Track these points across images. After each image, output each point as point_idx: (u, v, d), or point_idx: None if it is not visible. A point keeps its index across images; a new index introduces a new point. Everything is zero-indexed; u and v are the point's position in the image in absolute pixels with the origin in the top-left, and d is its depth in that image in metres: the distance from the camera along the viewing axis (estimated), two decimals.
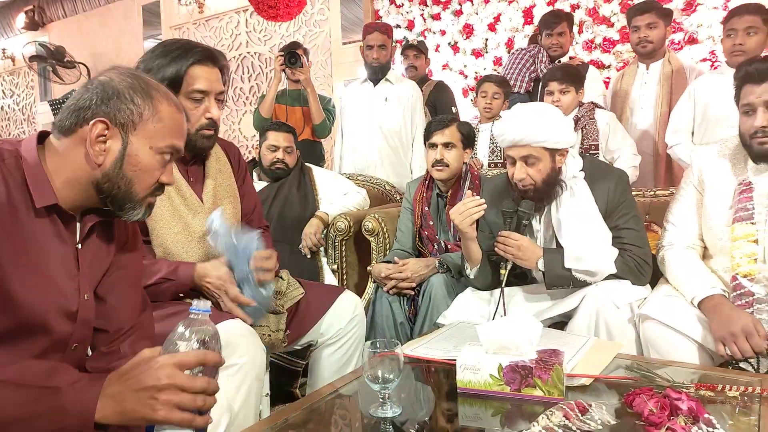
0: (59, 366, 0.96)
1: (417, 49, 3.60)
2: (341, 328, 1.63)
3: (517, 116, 1.65)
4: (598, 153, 2.63)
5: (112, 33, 6.78)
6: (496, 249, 1.71)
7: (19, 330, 0.95)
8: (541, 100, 3.13)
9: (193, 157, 1.52)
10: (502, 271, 1.71)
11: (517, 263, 1.71)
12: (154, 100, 1.01)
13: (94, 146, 0.96)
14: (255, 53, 5.66)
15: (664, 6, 2.98)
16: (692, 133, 2.62)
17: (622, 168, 2.57)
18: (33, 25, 7.36)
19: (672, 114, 2.67)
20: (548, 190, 1.68)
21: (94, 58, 6.80)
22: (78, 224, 1.03)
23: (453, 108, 3.53)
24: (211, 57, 1.42)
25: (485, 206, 1.72)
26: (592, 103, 2.75)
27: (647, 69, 2.90)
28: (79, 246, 1.03)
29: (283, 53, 3.17)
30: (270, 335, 1.48)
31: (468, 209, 1.72)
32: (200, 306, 0.90)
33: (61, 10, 7.22)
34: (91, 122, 0.96)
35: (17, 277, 0.92)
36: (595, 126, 2.64)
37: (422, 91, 3.47)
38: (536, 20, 4.06)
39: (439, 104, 3.47)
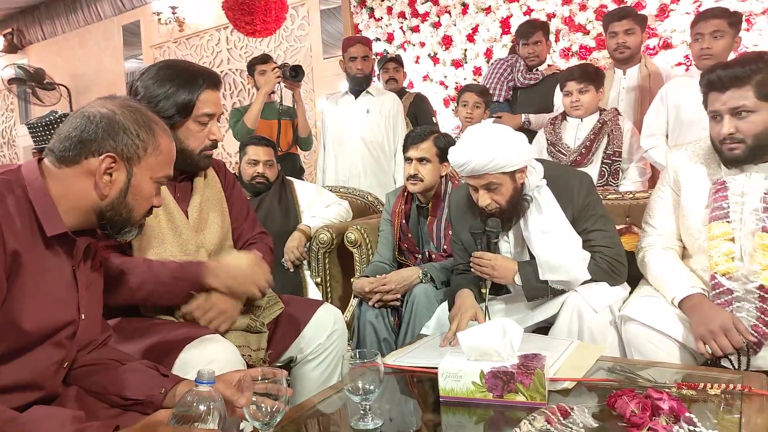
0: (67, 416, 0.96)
1: (396, 62, 3.65)
2: (321, 343, 1.60)
3: (469, 146, 1.60)
4: (621, 161, 2.60)
5: (92, 54, 6.77)
6: (472, 270, 1.72)
7: (23, 353, 0.99)
8: (536, 110, 3.13)
9: (182, 173, 1.53)
10: (483, 290, 1.71)
11: (494, 281, 1.72)
12: (156, 134, 1.09)
13: (102, 179, 1.03)
14: (236, 70, 5.67)
15: (639, 12, 3.03)
16: (667, 136, 2.64)
17: (629, 179, 2.59)
18: (12, 48, 7.34)
19: (645, 118, 2.68)
20: (515, 208, 1.68)
21: (75, 80, 6.78)
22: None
23: (433, 119, 3.56)
24: (217, 81, 1.49)
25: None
26: (615, 109, 2.72)
27: (624, 74, 2.93)
28: (76, 267, 1.08)
29: (282, 66, 3.15)
30: (251, 355, 1.46)
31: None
32: (205, 378, 0.96)
33: (40, 32, 7.20)
34: (101, 157, 1.02)
35: (29, 304, 0.97)
36: (620, 132, 2.60)
37: (402, 103, 3.49)
38: (513, 30, 4.11)
39: (419, 115, 3.50)
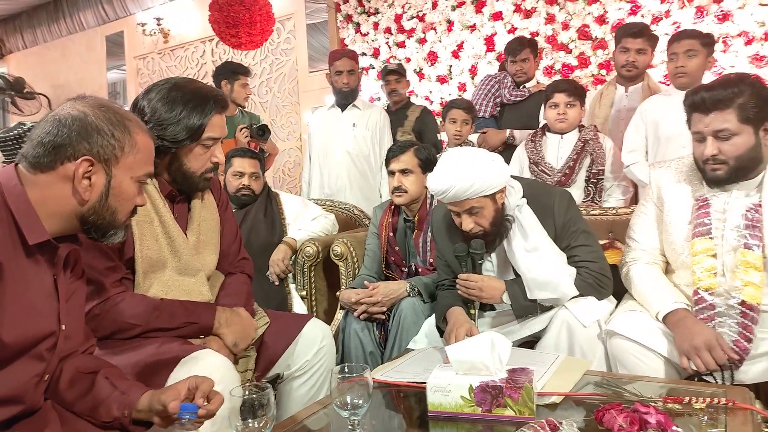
0: None
1: (397, 73, 3.51)
2: (308, 360, 1.59)
3: (447, 174, 1.59)
4: (604, 179, 2.61)
5: (75, 64, 6.70)
6: (459, 293, 1.72)
7: (2, 366, 0.96)
8: (520, 120, 3.14)
9: (179, 193, 1.51)
10: (472, 312, 1.71)
11: (483, 301, 1.72)
12: (131, 132, 1.06)
13: (81, 183, 1.00)
14: None
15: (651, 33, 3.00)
16: (646, 152, 2.67)
17: (614, 197, 2.62)
18: None
19: (625, 135, 2.71)
20: (498, 230, 1.69)
21: (56, 89, 6.69)
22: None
23: (437, 135, 3.47)
24: (225, 105, 1.47)
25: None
26: (595, 126, 2.73)
27: (626, 92, 2.93)
28: (57, 276, 1.05)
29: (248, 126, 3.20)
30: (239, 374, 1.44)
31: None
32: (189, 409, 0.98)
33: (21, 42, 7.11)
34: (77, 161, 0.99)
35: (9, 315, 0.94)
36: (603, 151, 2.61)
37: (407, 116, 3.41)
38: (498, 47, 4.18)
39: (425, 130, 3.37)
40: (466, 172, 1.58)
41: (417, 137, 3.34)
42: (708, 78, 2.36)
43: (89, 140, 1.00)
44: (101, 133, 1.02)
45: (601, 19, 3.86)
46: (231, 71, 3.39)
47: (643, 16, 3.72)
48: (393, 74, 3.51)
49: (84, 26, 6.52)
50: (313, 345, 1.60)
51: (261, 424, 1.02)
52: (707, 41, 2.55)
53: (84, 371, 1.11)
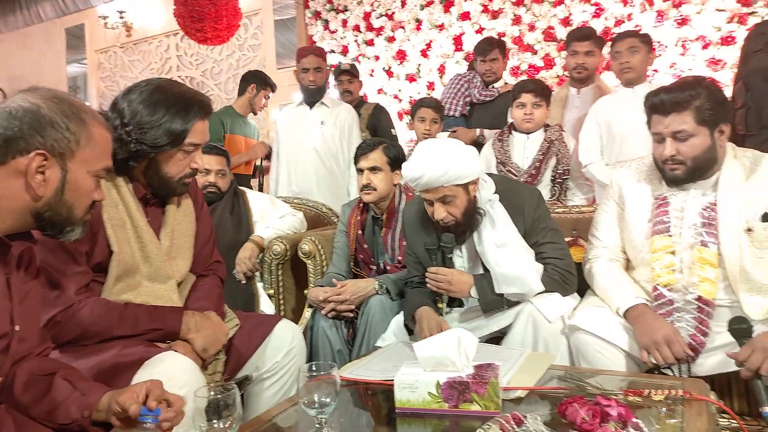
0: None
1: (350, 74, 3.57)
2: (277, 361, 1.57)
3: (422, 160, 1.63)
4: (569, 177, 2.68)
5: (32, 56, 6.48)
6: (428, 286, 1.73)
7: None
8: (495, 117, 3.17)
9: (154, 196, 1.48)
10: (440, 305, 1.73)
11: (451, 295, 1.74)
12: (87, 124, 1.02)
13: (34, 178, 0.96)
14: (187, 77, 5.55)
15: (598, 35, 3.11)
16: (602, 152, 2.75)
17: (577, 197, 2.68)
18: None
19: (581, 136, 2.79)
20: (469, 221, 1.71)
21: (12, 82, 6.45)
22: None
23: (392, 130, 3.53)
24: (209, 110, 1.44)
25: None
26: (560, 125, 2.79)
27: (578, 93, 3.03)
28: (9, 275, 1.01)
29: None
30: (206, 378, 1.41)
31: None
32: (150, 417, 0.97)
33: None
34: (30, 155, 0.96)
35: None
36: (567, 151, 2.67)
37: (360, 114, 3.46)
38: (465, 47, 4.22)
39: (379, 127, 3.46)
40: (440, 159, 1.61)
41: (372, 134, 3.40)
42: (668, 79, 2.45)
43: (42, 133, 0.97)
44: (55, 126, 0.98)
45: (566, 21, 3.93)
46: (263, 80, 3.53)
47: (606, 18, 3.81)
48: (346, 74, 3.56)
49: (42, 17, 6.31)
50: (282, 346, 1.59)
51: (226, 425, 1.01)
52: (646, 39, 2.71)
53: (40, 373, 1.07)
